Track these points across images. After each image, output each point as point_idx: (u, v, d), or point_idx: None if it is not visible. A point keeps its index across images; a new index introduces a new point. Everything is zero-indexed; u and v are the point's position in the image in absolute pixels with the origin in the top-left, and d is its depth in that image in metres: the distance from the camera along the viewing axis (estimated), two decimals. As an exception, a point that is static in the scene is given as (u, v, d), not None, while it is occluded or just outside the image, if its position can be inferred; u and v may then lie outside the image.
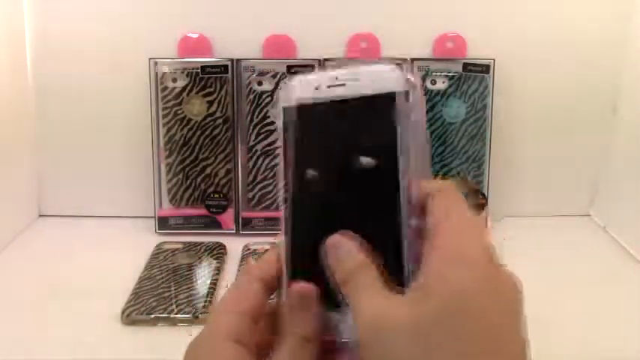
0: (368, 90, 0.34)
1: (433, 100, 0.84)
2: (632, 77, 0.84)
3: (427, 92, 0.84)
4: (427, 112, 0.84)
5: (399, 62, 0.35)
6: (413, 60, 0.84)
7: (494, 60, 0.83)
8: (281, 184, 0.35)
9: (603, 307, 0.68)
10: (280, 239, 0.35)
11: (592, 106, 0.88)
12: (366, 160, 0.34)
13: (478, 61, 0.84)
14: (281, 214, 0.35)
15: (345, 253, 0.32)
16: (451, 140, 0.85)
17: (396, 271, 0.32)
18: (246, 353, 0.32)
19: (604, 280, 0.75)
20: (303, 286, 0.33)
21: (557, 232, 0.87)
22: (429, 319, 0.27)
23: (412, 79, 0.34)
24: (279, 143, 0.35)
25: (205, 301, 0.67)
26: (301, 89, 0.35)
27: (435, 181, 0.34)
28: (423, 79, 0.84)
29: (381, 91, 0.34)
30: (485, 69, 0.83)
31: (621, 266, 0.79)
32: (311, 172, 0.34)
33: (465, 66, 0.83)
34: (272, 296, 0.35)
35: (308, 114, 0.35)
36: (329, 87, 0.34)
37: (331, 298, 0.33)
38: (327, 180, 0.34)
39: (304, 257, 0.34)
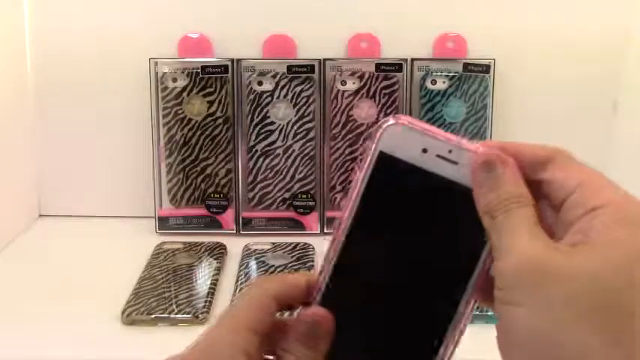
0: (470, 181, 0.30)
1: (433, 100, 0.84)
2: (632, 77, 0.84)
3: (427, 92, 0.84)
4: (427, 112, 0.84)
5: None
6: (413, 60, 0.84)
7: (494, 60, 0.83)
8: (344, 220, 0.31)
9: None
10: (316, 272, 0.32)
11: (592, 105, 0.88)
12: (441, 255, 0.30)
13: (478, 61, 0.84)
14: (330, 249, 0.32)
15: (507, 177, 0.29)
16: (451, 140, 0.85)
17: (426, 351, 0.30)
18: None
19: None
20: (318, 313, 0.31)
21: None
22: (608, 271, 0.25)
23: None
24: (358, 184, 0.31)
25: (205, 302, 0.66)
26: (410, 144, 0.30)
27: (542, 147, 0.31)
28: (423, 79, 0.84)
29: None
30: (485, 69, 0.83)
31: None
32: (378, 237, 0.31)
33: (465, 66, 0.83)
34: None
35: (404, 176, 0.30)
36: (438, 157, 0.30)
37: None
38: (391, 255, 0.31)
39: (337, 319, 0.31)
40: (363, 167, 0.31)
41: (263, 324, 0.31)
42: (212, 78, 0.83)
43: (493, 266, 0.28)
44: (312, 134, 0.84)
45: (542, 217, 0.29)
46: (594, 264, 0.26)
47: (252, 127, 0.84)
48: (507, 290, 0.27)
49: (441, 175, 0.30)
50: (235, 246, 0.80)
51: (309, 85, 0.83)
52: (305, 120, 0.83)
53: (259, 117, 0.83)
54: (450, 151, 0.30)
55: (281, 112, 0.83)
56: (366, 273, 0.31)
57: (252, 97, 0.83)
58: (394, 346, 0.31)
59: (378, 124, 0.31)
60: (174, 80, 0.83)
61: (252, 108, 0.83)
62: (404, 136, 0.30)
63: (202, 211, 0.84)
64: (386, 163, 0.30)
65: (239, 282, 0.71)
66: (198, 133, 0.83)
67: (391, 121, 0.30)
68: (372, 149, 0.31)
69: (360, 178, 0.31)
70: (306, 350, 0.30)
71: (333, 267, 0.31)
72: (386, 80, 0.83)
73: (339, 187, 0.85)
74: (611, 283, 0.25)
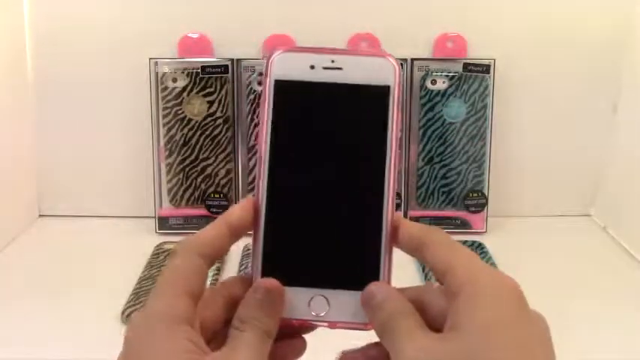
0: (363, 79, 0.34)
1: (433, 100, 0.84)
2: (633, 77, 0.84)
3: (427, 92, 0.84)
4: (427, 112, 0.84)
5: (388, 54, 0.35)
6: (413, 60, 0.84)
7: (494, 60, 0.83)
8: (262, 158, 0.34)
9: (603, 308, 0.68)
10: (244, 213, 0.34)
11: (592, 105, 0.88)
12: (354, 149, 0.34)
13: (478, 61, 0.84)
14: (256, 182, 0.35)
15: (382, 300, 0.32)
16: (451, 140, 0.85)
17: (372, 261, 0.33)
18: (198, 336, 0.31)
19: (604, 280, 0.75)
20: (271, 283, 0.33)
21: (557, 232, 0.87)
22: (464, 353, 0.28)
23: (400, 73, 0.35)
24: (264, 116, 0.34)
25: (205, 301, 0.66)
26: (298, 66, 0.34)
27: (420, 227, 0.34)
28: (423, 79, 0.84)
29: (376, 82, 0.34)
30: (485, 69, 0.83)
31: (621, 266, 0.79)
32: (296, 153, 0.34)
33: (465, 66, 0.83)
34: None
35: (302, 93, 0.34)
36: (325, 68, 0.34)
37: (304, 274, 0.33)
38: (312, 164, 0.34)
39: (280, 234, 0.34)
40: (265, 98, 0.34)
41: (195, 286, 0.33)
42: (212, 78, 0.83)
43: None
44: (312, 134, 0.84)
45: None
46: (461, 347, 0.28)
47: (252, 127, 0.84)
48: None
49: (333, 82, 0.34)
50: (235, 246, 0.80)
51: (309, 85, 0.83)
52: (305, 120, 0.83)
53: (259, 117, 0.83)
54: (332, 61, 0.34)
55: (281, 112, 0.83)
56: (299, 189, 0.34)
57: (252, 97, 0.83)
58: (343, 246, 0.34)
59: (267, 58, 0.35)
60: (174, 80, 0.83)
61: (252, 108, 0.83)
62: (291, 60, 0.35)
63: (202, 211, 0.84)
64: (283, 87, 0.34)
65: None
66: (198, 133, 0.83)
67: (276, 51, 0.35)
68: (268, 80, 0.34)
69: (265, 108, 0.34)
70: (265, 317, 0.32)
71: (266, 196, 0.34)
72: (386, 80, 0.83)
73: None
74: None
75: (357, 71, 0.34)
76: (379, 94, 0.34)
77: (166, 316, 0.30)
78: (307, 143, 0.34)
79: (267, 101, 0.34)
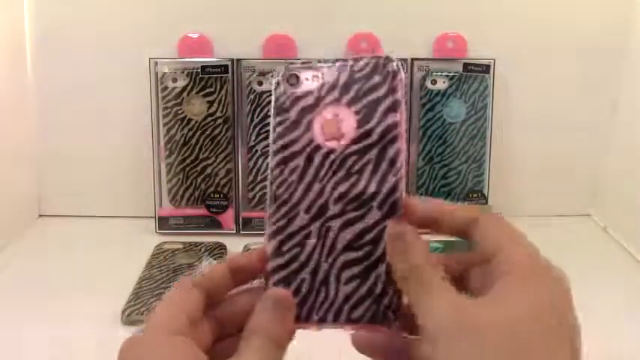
0: None
1: (433, 100, 0.84)
2: (632, 77, 0.84)
3: (427, 92, 0.84)
4: (427, 112, 0.84)
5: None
6: (413, 60, 0.84)
7: (494, 60, 0.83)
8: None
9: (603, 308, 0.68)
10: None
11: (592, 105, 0.88)
12: None
13: (478, 61, 0.84)
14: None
15: (412, 245, 0.32)
16: (451, 140, 0.85)
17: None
18: (194, 345, 0.31)
19: (604, 280, 0.74)
20: (280, 292, 0.33)
21: (557, 232, 0.87)
22: (520, 322, 0.29)
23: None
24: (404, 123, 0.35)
25: (205, 301, 0.66)
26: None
27: (471, 208, 0.35)
28: (423, 79, 0.84)
29: None
30: (485, 69, 0.83)
31: (621, 266, 0.79)
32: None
33: (465, 66, 0.83)
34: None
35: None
36: None
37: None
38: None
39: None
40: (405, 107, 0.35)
41: (188, 307, 0.32)
42: (212, 78, 0.82)
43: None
44: (312, 134, 0.84)
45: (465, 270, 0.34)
46: (518, 315, 0.29)
47: (252, 127, 0.84)
48: (440, 345, 0.29)
49: None
50: (235, 246, 0.80)
51: (309, 85, 0.83)
52: (305, 120, 0.83)
53: (259, 117, 0.83)
54: None
55: (281, 112, 0.83)
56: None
57: (252, 97, 0.83)
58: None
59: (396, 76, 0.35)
60: (174, 80, 0.83)
61: (252, 108, 0.83)
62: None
63: (202, 211, 0.84)
64: None
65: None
66: (198, 133, 0.83)
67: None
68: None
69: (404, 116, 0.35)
70: (274, 326, 0.32)
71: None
72: (386, 80, 0.83)
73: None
74: (525, 335, 0.29)
75: None
76: None
77: (157, 329, 0.31)
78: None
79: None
